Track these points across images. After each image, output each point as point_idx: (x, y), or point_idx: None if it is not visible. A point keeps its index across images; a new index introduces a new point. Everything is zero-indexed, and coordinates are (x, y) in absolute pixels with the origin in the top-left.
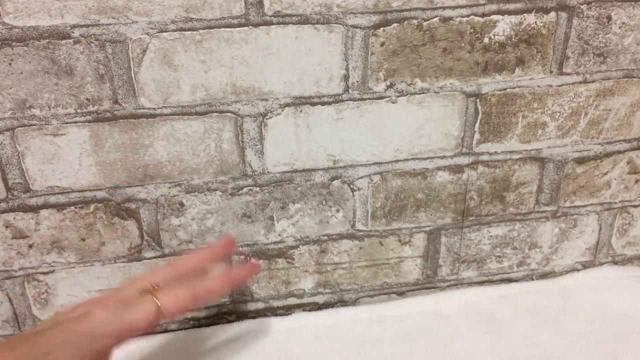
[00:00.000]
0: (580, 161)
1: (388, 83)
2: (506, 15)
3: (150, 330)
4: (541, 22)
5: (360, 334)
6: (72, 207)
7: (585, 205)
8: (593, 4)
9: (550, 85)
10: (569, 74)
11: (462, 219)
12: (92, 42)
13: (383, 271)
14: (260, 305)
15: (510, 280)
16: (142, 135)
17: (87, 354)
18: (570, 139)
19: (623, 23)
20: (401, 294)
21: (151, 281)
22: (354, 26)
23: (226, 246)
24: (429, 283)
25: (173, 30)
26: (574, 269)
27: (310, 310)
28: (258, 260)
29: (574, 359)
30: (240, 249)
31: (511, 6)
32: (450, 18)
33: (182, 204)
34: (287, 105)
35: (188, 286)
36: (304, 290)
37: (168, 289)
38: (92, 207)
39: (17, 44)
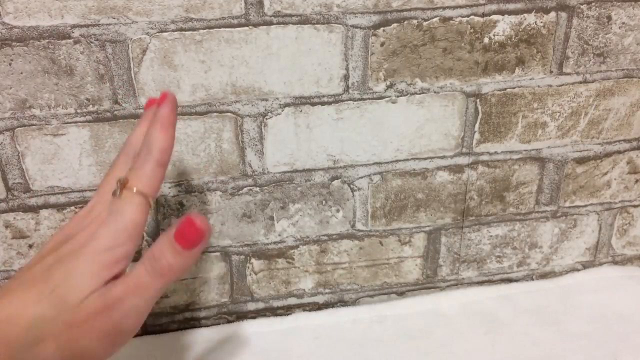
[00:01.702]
0: (580, 161)
1: (388, 83)
2: (506, 15)
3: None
4: (541, 22)
5: (360, 334)
6: (72, 207)
7: (585, 205)
8: (593, 4)
9: (550, 85)
10: (569, 74)
11: (462, 219)
12: (92, 42)
13: (383, 271)
14: (260, 305)
15: (510, 280)
16: None
17: (103, 273)
18: (570, 139)
19: (623, 23)
20: (401, 294)
21: (116, 177)
22: (354, 26)
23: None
24: (429, 283)
25: (173, 30)
26: (574, 269)
27: (310, 310)
28: (164, 92)
29: (574, 359)
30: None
31: (511, 6)
32: (450, 18)
33: (182, 204)
34: (287, 105)
35: (144, 157)
36: (304, 290)
37: (133, 173)
38: None
39: (17, 44)
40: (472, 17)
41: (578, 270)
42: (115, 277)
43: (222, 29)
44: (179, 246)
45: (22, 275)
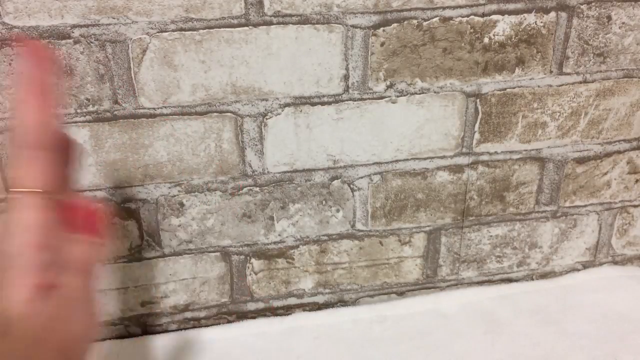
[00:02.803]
0: (580, 161)
1: (388, 83)
2: (506, 15)
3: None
4: (541, 22)
5: (360, 334)
6: None
7: (585, 205)
8: (593, 4)
9: (550, 85)
10: (569, 74)
11: (462, 219)
12: (92, 42)
13: (383, 271)
14: (260, 305)
15: (510, 280)
16: (142, 135)
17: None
18: (570, 139)
19: (623, 23)
20: (401, 294)
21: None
22: (354, 26)
23: (35, 56)
24: (429, 283)
25: (173, 30)
26: (574, 269)
27: (310, 310)
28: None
29: (574, 358)
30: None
31: (511, 6)
32: (450, 18)
33: (182, 204)
34: (287, 105)
35: (18, 146)
36: (304, 290)
37: (15, 171)
38: None
39: (17, 44)
40: (472, 17)
41: (578, 270)
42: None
43: (222, 29)
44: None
45: None
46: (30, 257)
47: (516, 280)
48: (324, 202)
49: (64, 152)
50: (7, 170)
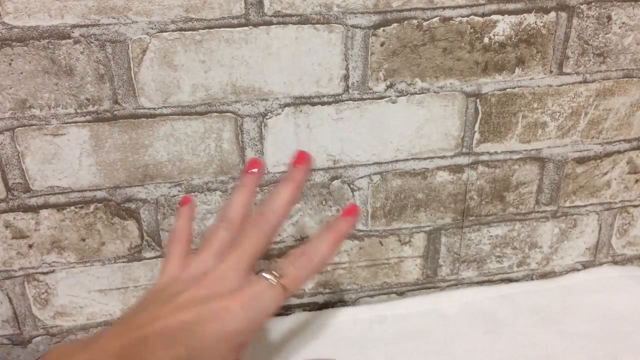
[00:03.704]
0: (580, 161)
1: (388, 83)
2: (506, 15)
3: None
4: (541, 22)
5: (360, 334)
6: (72, 207)
7: (585, 205)
8: (593, 4)
9: (550, 85)
10: (569, 74)
11: (462, 219)
12: (92, 42)
13: (383, 271)
14: None
15: (510, 280)
16: (142, 135)
17: (225, 355)
18: (570, 139)
19: (623, 23)
20: (401, 294)
21: (254, 252)
22: (354, 26)
23: (256, 171)
24: (429, 283)
25: (173, 30)
26: (574, 269)
27: (310, 310)
28: (354, 205)
29: (574, 359)
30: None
31: (511, 6)
32: (450, 18)
33: None
34: (287, 105)
35: (306, 259)
36: (304, 290)
37: (288, 268)
38: (92, 207)
39: (17, 44)
40: (472, 17)
41: (578, 270)
42: None
43: (222, 29)
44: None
45: (137, 323)
46: (246, 339)
47: (516, 280)
48: (324, 202)
49: None
50: (213, 243)
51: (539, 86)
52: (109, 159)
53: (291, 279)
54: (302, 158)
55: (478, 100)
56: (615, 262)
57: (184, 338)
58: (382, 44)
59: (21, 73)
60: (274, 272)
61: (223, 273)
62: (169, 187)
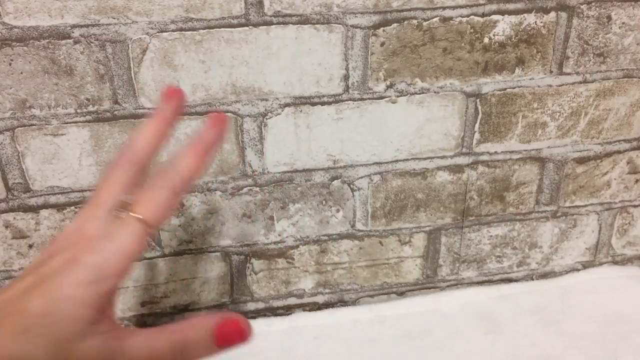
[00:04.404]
0: (580, 161)
1: (388, 83)
2: (506, 15)
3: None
4: (541, 22)
5: (360, 334)
6: (72, 207)
7: (585, 205)
8: (593, 4)
9: (550, 85)
10: (569, 74)
11: (462, 219)
12: (92, 42)
13: (383, 271)
14: (260, 305)
15: (510, 280)
16: None
17: (90, 303)
18: (570, 139)
19: (623, 23)
20: (401, 294)
21: (115, 192)
22: (354, 26)
23: (173, 101)
24: (429, 283)
25: (173, 30)
26: (574, 269)
27: (310, 310)
28: (219, 113)
29: (574, 359)
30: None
31: (511, 6)
32: (450, 18)
33: (182, 204)
34: (287, 105)
35: (162, 183)
36: (304, 290)
37: (143, 196)
38: None
39: (17, 44)
40: (472, 17)
41: (578, 270)
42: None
43: (222, 29)
44: (216, 345)
45: None
46: (111, 284)
47: (516, 280)
48: (324, 202)
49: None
50: (114, 178)
51: (539, 86)
52: (109, 159)
53: (149, 208)
54: (171, 93)
55: (478, 100)
56: (615, 262)
57: (35, 296)
58: (382, 44)
59: (21, 73)
60: (128, 204)
61: (97, 223)
62: None
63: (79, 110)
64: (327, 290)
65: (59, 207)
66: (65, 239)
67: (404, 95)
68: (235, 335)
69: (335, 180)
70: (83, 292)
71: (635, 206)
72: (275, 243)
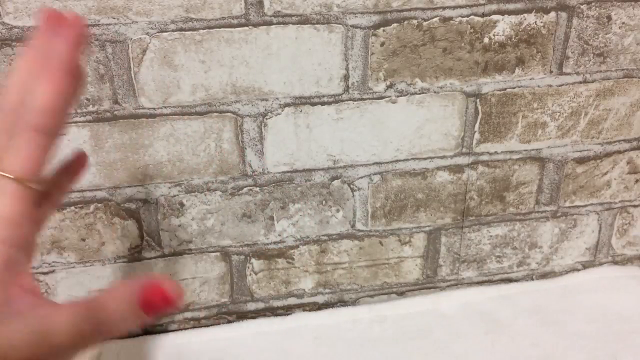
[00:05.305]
0: (580, 161)
1: (388, 83)
2: (506, 15)
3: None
4: (541, 22)
5: (360, 334)
6: (72, 207)
7: (585, 205)
8: (593, 4)
9: (550, 85)
10: (569, 74)
11: (462, 219)
12: (92, 42)
13: (383, 271)
14: (260, 305)
15: (510, 280)
16: (142, 135)
17: None
18: (570, 139)
19: (623, 23)
20: (401, 294)
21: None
22: (354, 26)
23: (57, 26)
24: (429, 283)
25: (173, 30)
26: (574, 269)
27: (310, 310)
28: (51, 10)
29: (574, 359)
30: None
31: (511, 6)
32: (450, 18)
33: (182, 204)
34: (287, 105)
35: (23, 127)
36: (304, 290)
37: (4, 151)
38: (92, 207)
39: (17, 44)
40: (472, 17)
41: (578, 270)
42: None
43: (222, 29)
44: (142, 312)
45: None
46: (3, 254)
47: (516, 280)
48: (324, 202)
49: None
50: None
51: (539, 86)
52: (109, 159)
53: (16, 162)
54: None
55: (478, 100)
56: (615, 262)
57: None
58: (382, 44)
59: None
60: None
61: None
62: (169, 187)
63: (79, 110)
64: (327, 290)
65: (59, 207)
66: None
67: (404, 95)
68: (160, 302)
69: (335, 180)
70: None
71: (635, 206)
72: (275, 243)
